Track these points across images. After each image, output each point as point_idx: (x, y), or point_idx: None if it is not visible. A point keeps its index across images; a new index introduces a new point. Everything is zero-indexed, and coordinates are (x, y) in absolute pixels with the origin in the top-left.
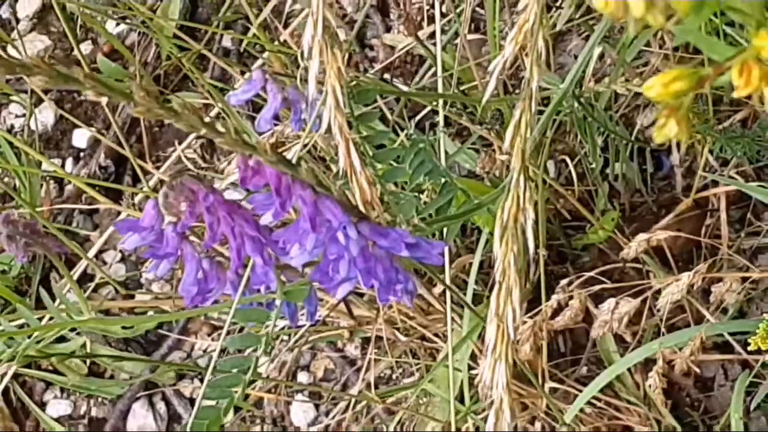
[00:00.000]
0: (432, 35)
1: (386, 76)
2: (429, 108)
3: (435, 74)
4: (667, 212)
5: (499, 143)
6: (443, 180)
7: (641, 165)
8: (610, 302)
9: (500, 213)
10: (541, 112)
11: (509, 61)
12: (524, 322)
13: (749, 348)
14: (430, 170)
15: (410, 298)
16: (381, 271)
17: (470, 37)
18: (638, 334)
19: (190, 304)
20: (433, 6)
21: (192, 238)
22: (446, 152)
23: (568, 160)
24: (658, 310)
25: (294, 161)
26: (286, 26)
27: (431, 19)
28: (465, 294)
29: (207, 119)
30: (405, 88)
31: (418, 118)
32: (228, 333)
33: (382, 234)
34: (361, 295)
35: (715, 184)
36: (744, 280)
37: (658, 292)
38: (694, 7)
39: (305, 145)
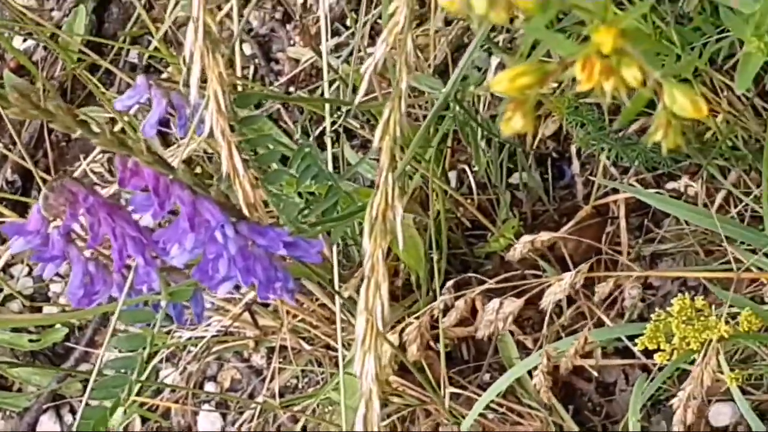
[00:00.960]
0: (338, 47)
1: (291, 89)
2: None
3: (339, 86)
4: (569, 220)
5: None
6: (329, 183)
7: (543, 174)
8: (495, 302)
9: (369, 210)
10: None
11: (380, 63)
12: (411, 323)
13: (638, 348)
14: (315, 174)
15: (291, 296)
16: (260, 269)
17: (371, 49)
18: (540, 340)
19: (76, 306)
20: (341, 20)
21: (78, 241)
22: (349, 163)
23: (468, 170)
24: (560, 317)
25: (178, 163)
26: None
27: (335, 33)
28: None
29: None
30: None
31: (320, 129)
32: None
33: (261, 233)
34: (267, 305)
35: (615, 191)
36: (644, 286)
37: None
38: (539, 6)
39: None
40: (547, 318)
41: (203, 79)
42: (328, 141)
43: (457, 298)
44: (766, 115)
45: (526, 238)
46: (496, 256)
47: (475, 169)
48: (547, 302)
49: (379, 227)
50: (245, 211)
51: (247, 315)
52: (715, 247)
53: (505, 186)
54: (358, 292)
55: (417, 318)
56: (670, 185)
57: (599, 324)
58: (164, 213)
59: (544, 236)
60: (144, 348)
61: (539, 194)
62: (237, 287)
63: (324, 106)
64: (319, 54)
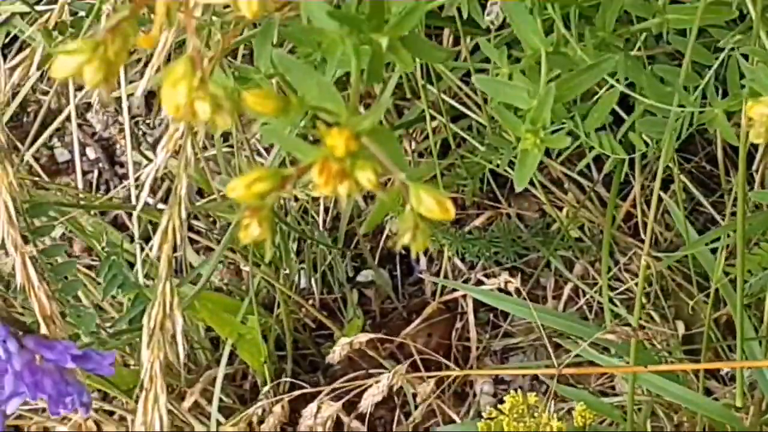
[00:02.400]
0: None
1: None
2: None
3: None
4: (418, 316)
5: (238, 258)
6: (136, 292)
7: (391, 271)
8: (312, 406)
9: (147, 320)
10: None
11: (161, 170)
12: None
13: None
14: (122, 282)
15: (86, 410)
16: (50, 384)
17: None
18: None
19: None
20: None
21: None
22: (191, 265)
23: (311, 270)
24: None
25: None
26: None
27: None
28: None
29: None
30: (151, 201)
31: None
32: None
33: (48, 347)
34: (111, 413)
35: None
36: (495, 380)
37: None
38: (280, 110)
39: None
40: (396, 417)
41: None
42: (137, 248)
43: (275, 403)
44: (609, 203)
45: (344, 340)
46: (344, 357)
47: (286, 271)
48: (365, 404)
49: (156, 338)
50: (42, 324)
51: (91, 424)
52: (564, 339)
53: (352, 284)
54: (203, 396)
55: (234, 425)
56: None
57: (451, 421)
58: None
59: (362, 338)
60: None
61: (387, 291)
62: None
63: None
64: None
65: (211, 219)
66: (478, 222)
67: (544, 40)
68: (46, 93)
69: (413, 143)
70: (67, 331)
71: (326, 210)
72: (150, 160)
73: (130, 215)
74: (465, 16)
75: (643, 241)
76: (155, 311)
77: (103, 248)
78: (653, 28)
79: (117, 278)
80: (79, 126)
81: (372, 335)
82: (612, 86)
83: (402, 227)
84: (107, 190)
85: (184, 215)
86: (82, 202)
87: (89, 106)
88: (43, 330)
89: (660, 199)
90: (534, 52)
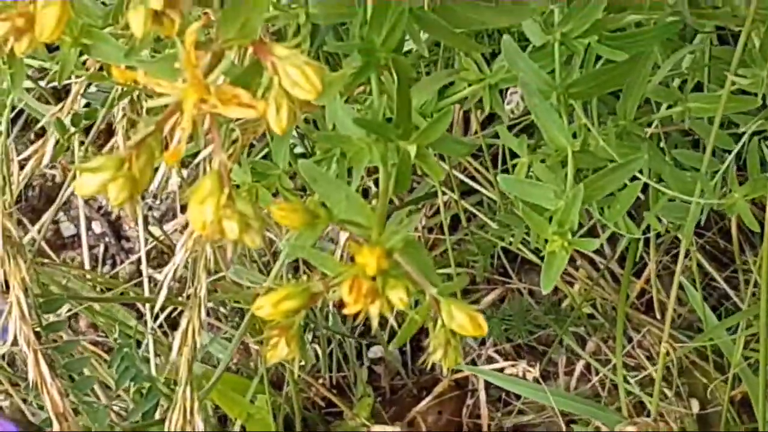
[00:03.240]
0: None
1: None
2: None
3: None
4: (428, 393)
5: (250, 339)
6: (148, 384)
7: (401, 347)
8: None
9: (167, 424)
10: None
11: (180, 268)
12: None
13: None
14: (135, 375)
15: None
16: None
17: None
18: None
19: None
20: None
21: None
22: (201, 344)
23: (318, 348)
24: None
25: None
26: None
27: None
28: None
29: None
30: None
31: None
32: None
33: None
34: None
35: (474, 362)
36: None
37: None
38: (307, 223)
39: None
40: None
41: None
42: (149, 338)
43: None
44: (623, 280)
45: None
46: None
47: (302, 363)
48: None
49: None
50: (54, 421)
51: None
52: (576, 417)
53: (362, 361)
54: None
55: None
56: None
57: None
58: None
59: (377, 428)
60: None
61: (397, 368)
62: None
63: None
64: (167, 234)
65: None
66: (489, 298)
67: (570, 139)
68: (51, 167)
69: (424, 218)
70: (80, 426)
71: None
72: (155, 238)
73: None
74: (486, 110)
75: (656, 318)
76: (176, 416)
77: (114, 339)
78: (674, 116)
79: (130, 370)
80: (85, 200)
81: (387, 429)
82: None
83: (433, 343)
84: (113, 265)
85: (203, 316)
86: (88, 278)
87: None
88: (56, 427)
89: (674, 273)
90: (560, 151)
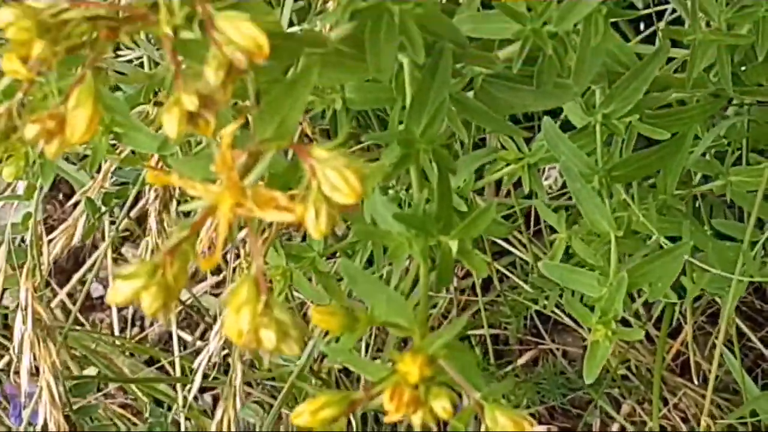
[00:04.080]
0: (218, 284)
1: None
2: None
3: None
4: None
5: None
6: None
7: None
8: None
9: None
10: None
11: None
12: None
13: None
14: None
15: None
16: None
17: None
18: None
19: None
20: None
21: None
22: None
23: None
24: None
25: None
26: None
27: (216, 270)
28: None
29: None
30: (189, 338)
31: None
32: None
33: None
34: None
35: None
36: None
37: None
38: (346, 327)
39: None
40: None
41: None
42: (182, 419)
43: None
44: (659, 343)
45: None
46: None
47: None
48: None
49: None
50: None
51: None
52: None
53: None
54: None
55: None
56: None
57: None
58: None
59: None
60: None
61: None
62: None
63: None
64: (195, 297)
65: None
66: (522, 360)
67: (613, 224)
68: None
69: (456, 280)
70: None
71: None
72: (183, 303)
73: (166, 351)
74: (526, 189)
75: (692, 380)
76: None
77: (145, 419)
78: (715, 189)
79: None
80: (114, 260)
81: None
82: None
83: None
84: (142, 327)
85: (239, 406)
86: (117, 344)
87: (124, 240)
88: None
89: (709, 333)
90: (603, 237)
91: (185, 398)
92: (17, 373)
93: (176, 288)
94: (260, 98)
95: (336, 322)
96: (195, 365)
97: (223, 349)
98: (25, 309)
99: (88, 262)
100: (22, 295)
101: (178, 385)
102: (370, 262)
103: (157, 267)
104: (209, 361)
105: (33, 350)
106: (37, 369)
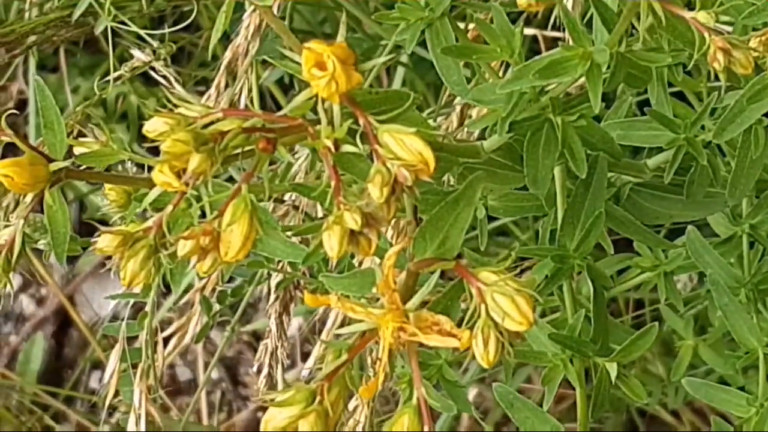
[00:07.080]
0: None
1: (259, 414)
2: None
3: None
4: None
5: None
6: None
7: None
8: None
9: None
10: None
11: None
12: None
13: None
14: None
15: None
16: None
17: None
18: None
19: None
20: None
21: None
22: None
23: None
24: None
25: None
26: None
27: (306, 356)
28: None
29: None
30: None
31: None
32: None
33: None
34: None
35: None
36: None
37: None
38: None
39: None
40: None
41: None
42: None
43: None
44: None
45: None
46: None
47: None
48: None
49: None
50: None
51: None
52: None
53: None
54: None
55: None
56: None
57: None
58: None
59: None
60: None
61: None
62: None
63: None
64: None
65: None
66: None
67: (762, 341)
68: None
69: None
70: None
71: None
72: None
73: None
74: (662, 299)
75: None
76: None
77: None
78: None
79: None
80: (203, 345)
81: None
82: None
83: None
84: (229, 412)
85: None
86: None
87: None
88: None
89: None
90: (751, 353)
91: None
92: None
93: (334, 415)
94: (416, 213)
95: None
96: None
97: None
98: (138, 410)
99: (171, 342)
100: (135, 397)
101: None
102: None
103: (314, 393)
104: None
105: None
106: None
